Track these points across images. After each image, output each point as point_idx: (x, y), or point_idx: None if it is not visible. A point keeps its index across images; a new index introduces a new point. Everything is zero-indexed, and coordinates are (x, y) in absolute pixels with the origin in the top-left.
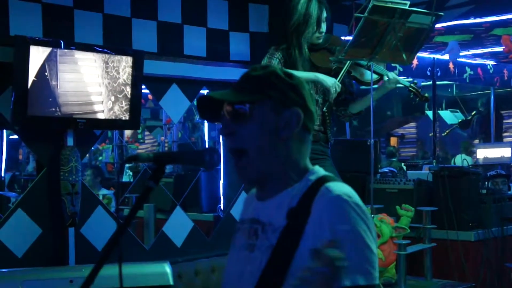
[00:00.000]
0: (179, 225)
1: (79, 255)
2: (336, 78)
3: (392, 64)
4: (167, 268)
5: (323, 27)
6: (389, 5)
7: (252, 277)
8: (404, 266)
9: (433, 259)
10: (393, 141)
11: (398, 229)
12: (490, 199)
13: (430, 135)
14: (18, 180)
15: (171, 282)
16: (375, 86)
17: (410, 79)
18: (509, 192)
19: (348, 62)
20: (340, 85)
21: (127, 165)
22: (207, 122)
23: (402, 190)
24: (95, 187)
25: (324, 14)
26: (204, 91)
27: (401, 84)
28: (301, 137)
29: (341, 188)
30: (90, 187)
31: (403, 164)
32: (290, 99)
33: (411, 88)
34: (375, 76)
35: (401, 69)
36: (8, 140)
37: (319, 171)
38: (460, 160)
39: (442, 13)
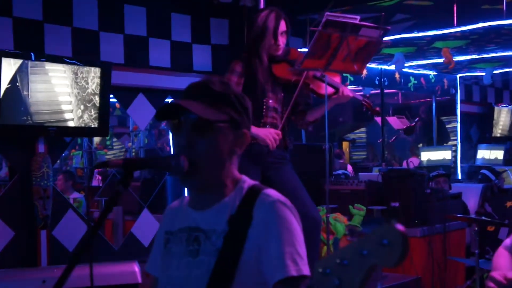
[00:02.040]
0: (146, 226)
1: (51, 257)
2: (295, 89)
3: (344, 74)
4: (136, 267)
5: (281, 39)
6: (341, 19)
7: (201, 279)
8: None
9: None
10: (345, 145)
11: (351, 227)
12: (434, 198)
13: (379, 141)
14: None
15: (139, 281)
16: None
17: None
18: (450, 191)
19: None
20: (279, 133)
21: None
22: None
23: (355, 190)
24: (67, 190)
25: (283, 28)
26: (169, 100)
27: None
28: (238, 154)
29: (276, 193)
30: (62, 191)
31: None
32: (243, 121)
33: (364, 103)
34: (331, 89)
35: (352, 79)
36: None
37: (247, 179)
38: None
39: (389, 27)
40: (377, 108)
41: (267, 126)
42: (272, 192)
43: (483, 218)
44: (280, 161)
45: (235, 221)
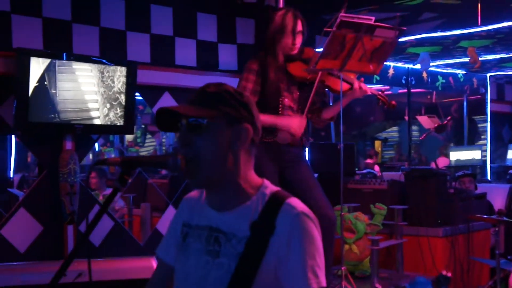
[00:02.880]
0: None
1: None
2: (310, 87)
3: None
4: (154, 263)
5: (298, 39)
6: (356, 20)
7: (220, 281)
8: (377, 260)
9: (404, 253)
10: (377, 144)
11: (372, 226)
12: (457, 198)
13: (418, 139)
14: (26, 180)
15: None
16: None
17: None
18: (475, 192)
19: (320, 72)
20: (305, 121)
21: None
22: (163, 131)
23: (377, 190)
24: (101, 187)
25: (299, 28)
26: None
27: (369, 93)
28: (248, 150)
29: (299, 204)
30: (96, 188)
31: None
32: (241, 116)
33: (379, 97)
34: (346, 85)
35: (378, 78)
36: (17, 144)
37: (269, 184)
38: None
39: (404, 28)
40: (393, 102)
41: None
42: (296, 202)
43: (505, 218)
44: (297, 159)
45: (258, 228)
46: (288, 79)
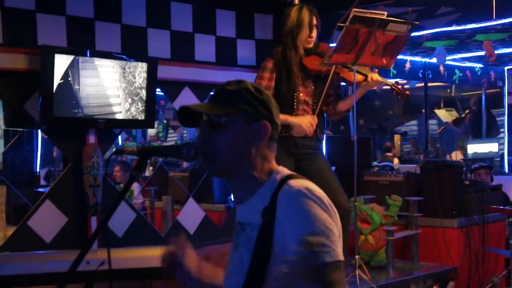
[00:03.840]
0: (192, 215)
1: (100, 241)
2: (325, 81)
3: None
4: None
5: (314, 33)
6: (369, 15)
7: (239, 270)
8: (392, 250)
9: (420, 244)
10: (397, 138)
11: (387, 217)
12: (472, 189)
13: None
14: (52, 175)
15: None
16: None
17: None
18: (491, 183)
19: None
20: (315, 118)
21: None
22: (185, 127)
23: (393, 181)
24: (126, 180)
25: (314, 21)
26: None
27: (383, 83)
28: (268, 146)
29: (301, 183)
30: (121, 182)
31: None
32: (260, 113)
33: (393, 87)
34: (360, 76)
35: (395, 72)
36: (43, 139)
37: (283, 170)
38: (455, 156)
39: (417, 22)
40: (407, 92)
41: None
42: (297, 182)
43: None
44: (313, 151)
45: (266, 213)
46: (303, 73)
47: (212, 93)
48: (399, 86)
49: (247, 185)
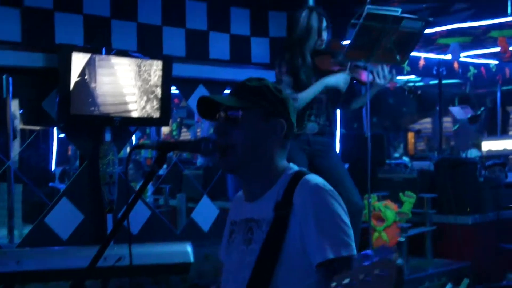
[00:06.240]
0: (206, 212)
1: (117, 237)
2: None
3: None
4: (188, 248)
5: (324, 35)
6: (382, 12)
7: (250, 265)
8: (406, 247)
9: (434, 241)
10: (410, 135)
11: (401, 214)
12: (487, 186)
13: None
14: (68, 173)
15: (192, 260)
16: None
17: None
18: (505, 180)
19: (348, 64)
20: (349, 77)
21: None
22: (204, 119)
23: (407, 179)
24: (137, 179)
25: (324, 24)
26: (228, 91)
27: (394, 82)
28: (282, 144)
29: (316, 178)
30: (134, 179)
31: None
32: (277, 111)
33: (405, 87)
34: (371, 76)
35: (409, 69)
36: (58, 138)
37: (294, 167)
38: (472, 153)
39: (431, 19)
40: (419, 91)
41: (312, 118)
42: (313, 177)
43: None
44: (326, 148)
45: (280, 208)
46: (316, 74)
47: (233, 88)
48: (411, 86)
49: (262, 181)
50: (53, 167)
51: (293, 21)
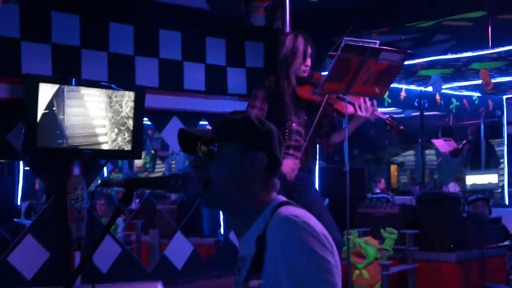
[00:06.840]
0: (179, 249)
1: (84, 277)
2: (318, 110)
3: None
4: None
5: (309, 61)
6: (360, 44)
7: None
8: (387, 285)
9: (416, 279)
10: (393, 168)
11: (383, 250)
12: (470, 222)
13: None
14: (34, 208)
15: None
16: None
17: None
18: (489, 216)
19: (327, 95)
20: (298, 164)
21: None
22: (186, 154)
23: (388, 214)
24: (108, 214)
25: (309, 50)
26: (204, 123)
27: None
28: (265, 178)
29: (289, 210)
30: (104, 215)
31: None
32: (257, 144)
33: (387, 121)
34: (353, 109)
35: (390, 101)
36: (25, 171)
37: (279, 199)
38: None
39: (410, 51)
40: (401, 127)
41: (291, 149)
42: (287, 209)
43: None
44: (304, 183)
45: (258, 243)
46: (296, 103)
47: (216, 122)
48: (393, 120)
49: (243, 216)
50: (19, 202)
51: (278, 45)
